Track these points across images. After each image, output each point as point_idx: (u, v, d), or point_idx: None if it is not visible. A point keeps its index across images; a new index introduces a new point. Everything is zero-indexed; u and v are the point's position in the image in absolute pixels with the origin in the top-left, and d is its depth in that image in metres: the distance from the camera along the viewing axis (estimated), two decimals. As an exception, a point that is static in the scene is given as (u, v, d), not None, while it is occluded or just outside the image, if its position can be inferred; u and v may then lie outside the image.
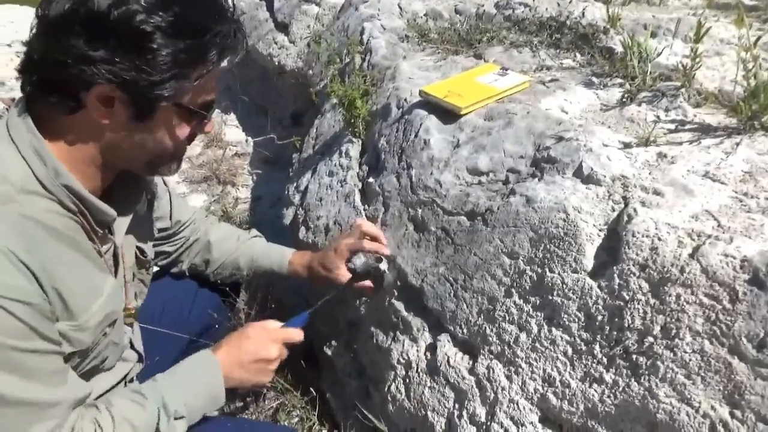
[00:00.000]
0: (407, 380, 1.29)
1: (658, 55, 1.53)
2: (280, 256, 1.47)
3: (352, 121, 1.75)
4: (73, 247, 0.91)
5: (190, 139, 0.99)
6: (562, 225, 1.08)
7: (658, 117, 1.36)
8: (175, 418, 0.99)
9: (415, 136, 1.50)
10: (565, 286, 1.05)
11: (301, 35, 2.96)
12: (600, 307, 1.00)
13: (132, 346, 1.18)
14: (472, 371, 1.16)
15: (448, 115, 1.49)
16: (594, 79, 1.60)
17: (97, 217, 0.95)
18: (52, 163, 0.86)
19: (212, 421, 1.13)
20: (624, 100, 1.46)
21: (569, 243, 1.07)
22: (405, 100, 1.64)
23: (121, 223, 1.04)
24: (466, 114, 1.46)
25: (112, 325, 1.01)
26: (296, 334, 1.22)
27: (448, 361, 1.20)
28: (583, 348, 1.01)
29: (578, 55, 1.80)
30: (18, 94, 0.92)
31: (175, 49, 0.84)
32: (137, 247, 1.16)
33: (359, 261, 1.34)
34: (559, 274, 1.06)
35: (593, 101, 1.51)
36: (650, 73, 1.49)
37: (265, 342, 1.14)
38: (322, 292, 1.34)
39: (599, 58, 1.67)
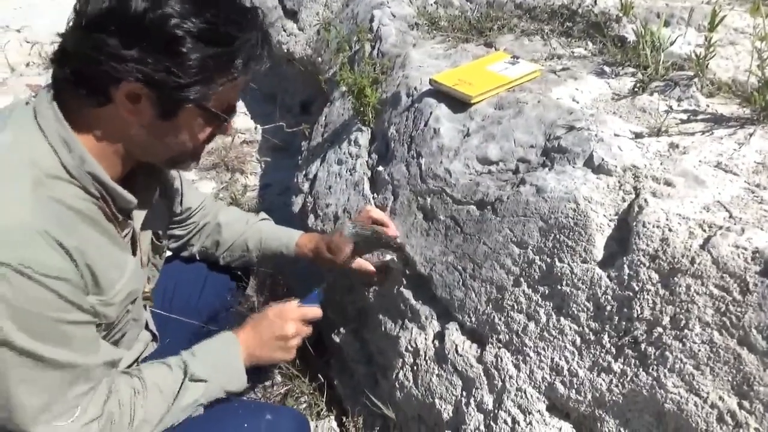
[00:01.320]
0: (415, 368, 1.30)
1: (671, 44, 1.52)
2: (288, 238, 1.48)
3: (362, 109, 1.75)
4: (97, 229, 0.96)
5: (210, 139, 1.03)
6: (572, 215, 1.08)
7: (670, 107, 1.35)
8: (194, 380, 1.06)
9: (425, 124, 1.49)
10: (574, 276, 1.05)
11: (310, 22, 2.95)
12: (609, 297, 1.00)
13: (147, 326, 1.24)
14: (480, 359, 1.17)
15: (458, 103, 1.49)
16: (606, 68, 1.58)
17: (118, 203, 0.99)
18: (78, 151, 0.90)
19: (220, 401, 1.15)
20: (636, 89, 1.44)
21: (579, 233, 1.07)
22: (415, 88, 1.64)
23: (141, 210, 1.08)
24: (477, 103, 1.46)
25: (133, 302, 1.07)
26: (313, 311, 1.27)
27: (456, 350, 1.21)
28: (592, 338, 1.01)
29: (590, 43, 1.79)
30: (29, 80, 0.94)
31: (204, 55, 0.88)
32: (153, 233, 1.19)
33: (348, 229, 1.34)
34: (568, 264, 1.07)
35: (605, 90, 1.50)
36: (663, 62, 1.48)
37: (283, 320, 1.21)
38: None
39: (611, 47, 1.65)
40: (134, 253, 1.09)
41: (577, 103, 1.43)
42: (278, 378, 1.80)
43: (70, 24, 0.88)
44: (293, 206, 1.89)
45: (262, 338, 1.19)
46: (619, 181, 1.11)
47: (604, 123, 1.25)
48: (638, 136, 1.23)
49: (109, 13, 0.84)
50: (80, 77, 0.88)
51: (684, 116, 1.29)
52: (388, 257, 1.39)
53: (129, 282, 1.02)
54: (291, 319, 1.22)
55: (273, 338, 1.20)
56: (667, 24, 1.65)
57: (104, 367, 0.97)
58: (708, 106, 1.30)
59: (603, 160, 1.13)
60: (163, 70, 0.86)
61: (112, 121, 0.92)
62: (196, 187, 1.57)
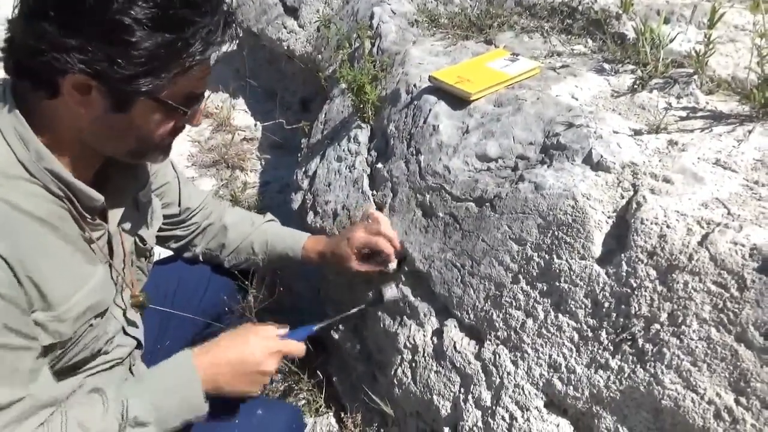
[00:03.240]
0: (413, 364, 1.30)
1: (671, 41, 1.51)
2: (294, 241, 1.44)
3: (361, 106, 1.75)
4: (56, 235, 0.89)
5: (176, 131, 0.95)
6: (571, 212, 1.08)
7: (669, 104, 1.35)
8: (135, 425, 0.91)
9: (424, 121, 1.49)
10: (572, 273, 1.05)
11: (310, 19, 2.95)
12: (607, 294, 1.00)
13: (125, 332, 1.11)
14: (478, 356, 1.17)
15: (457, 101, 1.49)
16: (605, 65, 1.58)
17: (84, 202, 0.92)
18: (34, 146, 0.84)
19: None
20: (635, 86, 1.44)
21: (577, 230, 1.07)
22: (414, 85, 1.64)
23: (116, 211, 1.02)
24: (476, 100, 1.46)
25: (100, 315, 0.98)
26: (298, 349, 1.15)
27: (454, 346, 1.21)
28: (590, 334, 1.01)
29: (590, 41, 1.78)
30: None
31: (154, 43, 0.80)
32: (137, 235, 1.13)
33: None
34: (566, 260, 1.07)
35: (604, 88, 1.50)
36: (662, 59, 1.48)
37: (265, 353, 1.06)
38: (333, 286, 1.36)
39: (611, 44, 1.65)
40: (111, 257, 1.02)
41: (577, 100, 1.43)
42: (277, 375, 1.81)
43: (15, 10, 0.82)
44: (292, 203, 1.89)
45: (236, 370, 1.03)
46: (617, 178, 1.11)
47: (603, 120, 1.25)
48: (637, 133, 1.23)
49: None
50: (24, 68, 0.82)
51: (683, 113, 1.29)
52: (390, 267, 1.38)
53: (90, 294, 0.93)
54: (274, 354, 1.08)
55: (250, 372, 1.05)
56: (666, 21, 1.65)
57: (27, 407, 0.83)
58: (707, 103, 1.30)
59: (602, 157, 1.13)
60: (105, 60, 0.79)
61: (64, 114, 0.85)
62: (195, 185, 1.54)
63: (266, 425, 1.08)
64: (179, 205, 1.36)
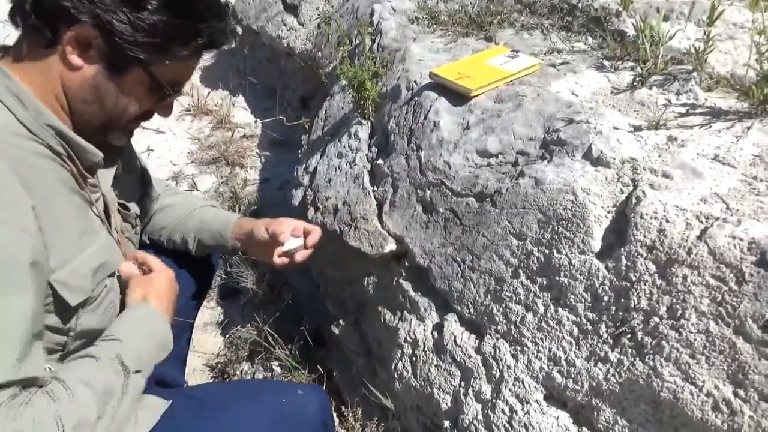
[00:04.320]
0: (414, 358, 1.31)
1: (671, 38, 1.52)
2: (227, 219, 1.32)
3: (362, 102, 1.76)
4: (62, 194, 0.90)
5: (147, 116, 0.99)
6: (571, 206, 1.09)
7: (669, 100, 1.36)
8: (136, 371, 0.91)
9: (425, 117, 1.50)
10: (572, 267, 1.06)
11: (310, 17, 2.95)
12: (606, 288, 1.01)
13: None
14: (478, 350, 1.18)
15: (458, 97, 1.49)
16: (605, 62, 1.59)
17: (84, 161, 0.94)
18: (32, 104, 0.86)
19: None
20: (635, 83, 1.45)
21: (577, 224, 1.07)
22: (415, 82, 1.64)
23: (106, 174, 1.04)
24: (477, 96, 1.46)
25: (112, 276, 1.00)
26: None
27: (454, 340, 1.22)
28: (589, 328, 1.02)
29: (589, 38, 1.79)
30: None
31: (168, 21, 0.87)
32: (119, 203, 1.13)
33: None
34: (566, 255, 1.07)
35: (604, 84, 1.51)
36: (662, 56, 1.48)
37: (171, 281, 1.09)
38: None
39: (611, 42, 1.66)
40: (109, 222, 1.04)
41: (577, 96, 1.44)
42: (278, 370, 1.82)
43: None
44: (293, 199, 1.90)
45: (170, 298, 1.06)
46: (617, 173, 1.12)
47: (603, 116, 1.26)
48: (637, 129, 1.24)
49: None
50: (37, 6, 0.84)
51: (682, 110, 1.30)
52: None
53: (98, 253, 0.94)
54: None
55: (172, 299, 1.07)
56: (666, 18, 1.66)
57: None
58: (706, 99, 1.31)
59: (602, 152, 1.14)
60: (122, 21, 0.84)
61: (54, 67, 0.87)
62: (159, 178, 1.48)
63: (305, 404, 1.10)
64: (146, 181, 1.32)
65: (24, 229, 0.78)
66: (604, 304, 1.01)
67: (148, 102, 0.96)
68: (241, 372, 1.89)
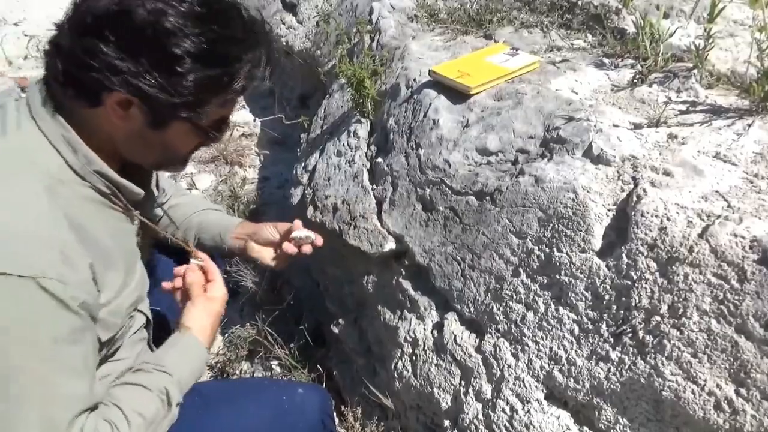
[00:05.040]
0: (414, 358, 1.30)
1: (671, 35, 1.52)
2: (226, 227, 1.32)
3: (361, 101, 1.75)
4: (114, 230, 0.95)
5: (199, 147, 1.01)
6: (571, 205, 1.08)
7: (669, 98, 1.35)
8: (176, 405, 0.98)
9: (424, 116, 1.49)
10: (573, 266, 1.05)
11: (309, 15, 2.94)
12: (608, 287, 1.00)
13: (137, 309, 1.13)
14: (478, 349, 1.17)
15: (457, 95, 1.49)
16: (605, 59, 1.58)
17: (128, 197, 0.98)
18: (82, 151, 0.88)
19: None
20: (635, 81, 1.44)
21: (578, 223, 1.07)
22: (414, 80, 1.64)
23: (145, 203, 1.07)
24: (476, 94, 1.46)
25: (137, 309, 1.04)
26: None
27: (454, 339, 1.21)
28: (590, 327, 1.02)
29: (589, 35, 1.79)
30: (26, 73, 0.93)
31: (201, 76, 0.85)
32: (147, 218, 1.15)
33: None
34: (567, 253, 1.07)
35: (604, 82, 1.50)
36: (662, 54, 1.48)
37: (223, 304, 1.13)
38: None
39: (611, 39, 1.65)
40: (143, 251, 1.07)
41: (577, 94, 1.43)
42: (277, 369, 1.81)
43: (67, 19, 0.85)
44: (292, 198, 1.89)
45: (214, 327, 1.10)
46: (617, 171, 1.11)
47: (603, 114, 1.25)
48: (637, 126, 1.23)
49: (108, 19, 0.81)
50: (70, 78, 0.85)
51: (683, 107, 1.29)
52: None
53: (135, 289, 1.00)
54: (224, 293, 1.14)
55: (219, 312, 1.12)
56: (666, 16, 1.65)
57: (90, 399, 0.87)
58: (707, 97, 1.31)
59: (602, 150, 1.14)
60: (157, 87, 0.83)
61: (102, 122, 0.89)
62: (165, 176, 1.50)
63: (304, 402, 1.13)
64: (157, 187, 1.36)
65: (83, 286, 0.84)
66: (605, 302, 1.00)
67: (197, 141, 0.98)
68: (241, 371, 1.88)
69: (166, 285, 1.14)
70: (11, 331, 0.77)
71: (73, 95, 0.86)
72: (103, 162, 0.91)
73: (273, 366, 1.83)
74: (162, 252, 1.40)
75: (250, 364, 1.89)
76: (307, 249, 1.20)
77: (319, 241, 1.21)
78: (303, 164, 1.93)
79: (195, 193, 1.50)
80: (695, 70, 1.40)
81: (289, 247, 1.20)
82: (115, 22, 0.81)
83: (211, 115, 0.93)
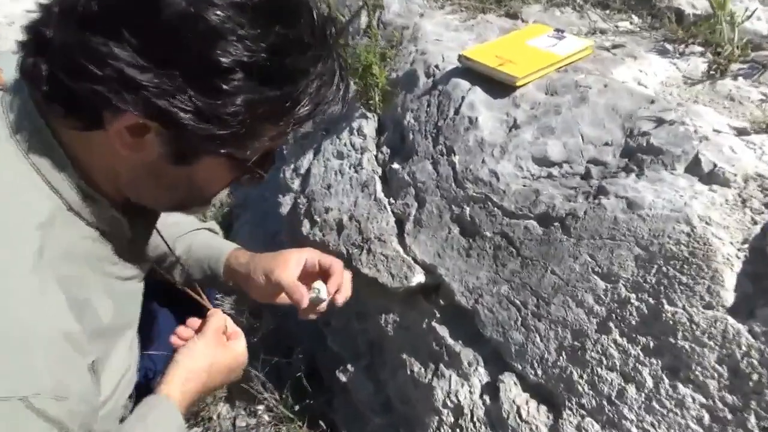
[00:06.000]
0: (458, 431, 1.01)
1: (747, 18, 1.26)
2: (219, 251, 1.05)
3: (367, 91, 1.44)
4: (109, 288, 0.72)
5: (231, 184, 0.75)
6: (686, 241, 0.81)
7: (765, 95, 1.09)
8: None
9: (456, 112, 1.19)
10: (694, 327, 0.78)
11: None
12: (755, 362, 0.73)
13: None
14: (554, 430, 0.89)
15: (497, 86, 1.19)
16: (667, 45, 1.32)
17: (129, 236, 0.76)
18: (81, 186, 0.65)
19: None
20: (712, 72, 1.18)
21: (698, 267, 0.79)
22: (436, 66, 1.33)
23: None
24: (523, 86, 1.16)
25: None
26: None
27: (518, 412, 0.93)
28: (728, 416, 0.74)
29: (634, 16, 1.52)
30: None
31: (257, 99, 0.58)
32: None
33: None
34: (684, 308, 0.79)
35: (673, 73, 1.24)
36: (737, 40, 1.22)
37: (239, 365, 0.91)
38: None
39: (668, 22, 1.38)
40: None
41: (646, 87, 1.16)
42: (265, 417, 1.50)
43: (60, 6, 0.57)
44: (281, 207, 1.57)
45: (210, 387, 0.89)
46: (740, 195, 0.84)
47: (699, 115, 0.98)
48: (742, 132, 0.97)
49: (126, 8, 0.54)
50: (59, 88, 0.57)
51: (787, 107, 1.03)
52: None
53: (134, 368, 0.79)
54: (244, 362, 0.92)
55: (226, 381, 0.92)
56: (731, -6, 1.39)
57: None
58: (819, 94, 1.05)
59: (715, 166, 0.86)
60: (192, 111, 0.56)
61: (101, 150, 0.63)
62: None
63: None
64: None
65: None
66: (751, 384, 0.73)
67: (233, 178, 0.71)
68: (218, 416, 1.57)
69: (177, 340, 0.89)
70: None
71: (62, 113, 0.60)
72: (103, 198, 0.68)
73: (259, 411, 1.51)
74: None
75: (231, 407, 1.58)
76: (326, 306, 0.89)
77: (341, 298, 0.90)
78: (293, 166, 1.60)
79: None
80: (790, 60, 1.14)
81: (308, 311, 0.89)
82: (137, 13, 0.54)
83: (258, 149, 0.64)
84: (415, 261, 1.13)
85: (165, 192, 0.70)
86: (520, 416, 0.92)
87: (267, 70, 0.57)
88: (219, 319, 0.90)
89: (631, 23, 1.50)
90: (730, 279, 0.77)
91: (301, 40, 0.58)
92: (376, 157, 1.36)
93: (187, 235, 1.07)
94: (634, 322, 0.84)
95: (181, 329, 0.90)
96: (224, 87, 0.55)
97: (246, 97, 0.57)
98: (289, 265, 0.90)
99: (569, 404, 0.88)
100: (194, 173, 0.66)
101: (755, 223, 0.81)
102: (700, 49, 1.30)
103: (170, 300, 1.10)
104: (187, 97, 0.55)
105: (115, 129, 0.59)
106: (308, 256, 0.93)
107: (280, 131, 0.64)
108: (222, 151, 0.62)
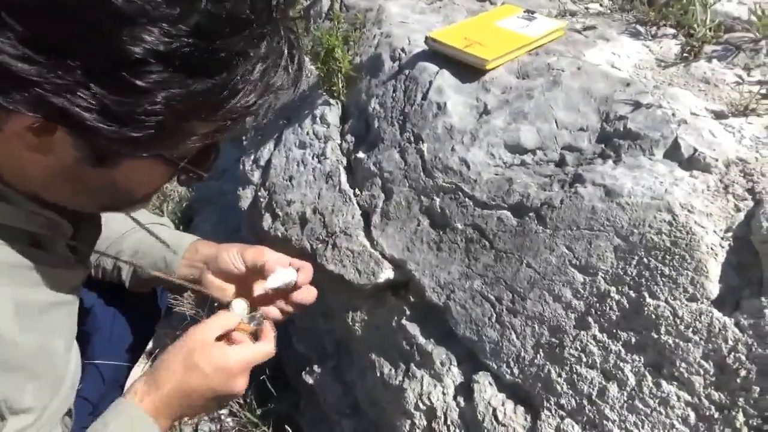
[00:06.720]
0: (431, 434, 0.96)
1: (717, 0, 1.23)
2: (175, 246, 0.95)
3: (329, 77, 1.36)
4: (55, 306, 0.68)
5: (167, 181, 0.67)
6: (667, 230, 0.76)
7: (740, 77, 1.06)
8: None
9: (423, 98, 1.13)
10: (678, 320, 0.74)
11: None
12: (742, 357, 0.69)
13: None
14: (533, 431, 0.84)
15: (466, 70, 1.13)
16: (638, 27, 1.28)
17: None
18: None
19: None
20: (685, 55, 1.15)
21: (681, 257, 0.75)
22: (402, 50, 1.27)
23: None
24: (492, 69, 1.11)
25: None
26: (265, 350, 0.82)
27: (494, 414, 0.88)
28: (715, 414, 0.70)
29: (604, -2, 1.48)
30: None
31: (181, 93, 0.49)
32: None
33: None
34: (667, 301, 0.75)
35: (645, 56, 1.20)
36: (709, 22, 1.19)
37: (229, 376, 0.78)
38: None
39: (639, 4, 1.34)
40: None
41: (620, 70, 1.12)
42: (229, 422, 1.42)
43: None
44: (241, 201, 1.48)
45: (193, 404, 0.78)
46: (721, 181, 0.80)
47: (677, 99, 0.94)
48: (719, 115, 0.93)
49: None
50: None
51: (762, 89, 1.00)
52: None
53: (70, 392, 0.74)
54: (240, 373, 0.80)
55: (212, 399, 0.79)
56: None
57: None
58: (793, 75, 1.02)
59: (696, 150, 0.82)
60: (96, 110, 0.47)
61: (11, 152, 0.55)
62: None
63: None
64: None
65: None
66: (739, 380, 0.69)
67: (168, 175, 0.64)
68: (180, 422, 1.48)
69: None
70: None
71: None
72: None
73: (223, 417, 1.44)
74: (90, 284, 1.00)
75: (192, 412, 1.49)
76: (301, 297, 0.82)
77: (303, 277, 0.83)
78: (252, 157, 1.52)
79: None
80: (763, 42, 1.12)
81: (272, 311, 0.81)
82: None
83: (191, 148, 0.56)
84: (383, 256, 1.06)
85: (87, 197, 0.62)
86: (496, 418, 0.87)
87: (191, 58, 0.48)
88: (220, 321, 0.79)
89: (601, 5, 1.46)
90: (714, 270, 0.73)
91: (235, 16, 0.49)
92: (340, 146, 1.29)
93: (136, 232, 0.98)
94: (614, 317, 0.79)
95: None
96: (136, 82, 0.47)
97: (167, 93, 0.48)
98: (264, 252, 0.84)
99: (547, 404, 0.83)
100: (118, 175, 0.58)
101: (738, 210, 0.77)
102: (672, 31, 1.26)
103: (113, 297, 1.01)
104: (90, 93, 0.47)
105: (11, 130, 0.50)
106: (280, 255, 0.86)
107: (217, 127, 0.55)
108: (144, 155, 0.54)
